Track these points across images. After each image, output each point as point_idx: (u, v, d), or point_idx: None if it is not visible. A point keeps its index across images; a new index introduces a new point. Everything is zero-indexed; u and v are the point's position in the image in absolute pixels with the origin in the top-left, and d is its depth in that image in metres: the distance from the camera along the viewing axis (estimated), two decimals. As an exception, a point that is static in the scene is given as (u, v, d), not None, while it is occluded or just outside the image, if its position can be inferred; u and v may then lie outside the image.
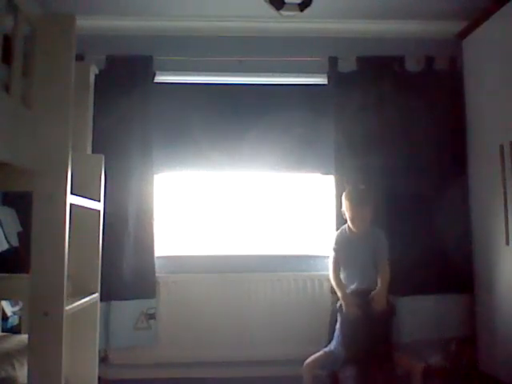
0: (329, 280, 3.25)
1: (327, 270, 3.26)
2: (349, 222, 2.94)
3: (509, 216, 2.78)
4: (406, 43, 3.44)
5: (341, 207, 3.04)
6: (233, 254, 3.41)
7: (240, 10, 3.25)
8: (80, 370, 2.16)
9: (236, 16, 3.33)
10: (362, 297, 2.78)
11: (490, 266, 2.98)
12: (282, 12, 2.84)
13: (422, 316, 3.18)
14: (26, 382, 1.65)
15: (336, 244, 3.00)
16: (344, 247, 2.97)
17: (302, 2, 2.77)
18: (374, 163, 3.24)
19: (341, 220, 3.17)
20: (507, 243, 2.80)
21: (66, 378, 1.78)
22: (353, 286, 2.86)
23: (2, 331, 2.67)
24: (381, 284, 2.82)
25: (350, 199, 2.92)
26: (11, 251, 2.92)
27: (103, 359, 3.02)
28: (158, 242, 3.28)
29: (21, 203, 2.83)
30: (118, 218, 3.10)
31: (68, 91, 1.75)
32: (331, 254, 3.01)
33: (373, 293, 2.78)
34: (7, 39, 1.55)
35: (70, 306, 1.79)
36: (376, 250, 2.90)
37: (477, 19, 3.09)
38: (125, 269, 3.14)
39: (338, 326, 2.83)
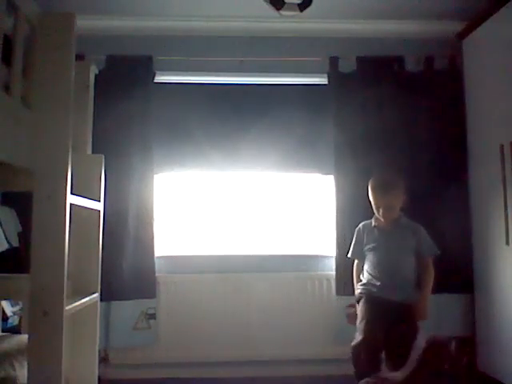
0: (329, 279, 3.26)
1: (327, 270, 3.28)
2: (375, 212, 2.66)
3: (509, 216, 2.78)
4: (406, 43, 3.43)
5: (340, 207, 3.04)
6: (233, 253, 3.40)
7: (240, 9, 3.24)
8: (80, 370, 2.16)
9: (236, 16, 3.33)
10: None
11: (489, 265, 2.98)
12: (282, 12, 2.84)
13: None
14: (25, 382, 1.65)
15: (356, 244, 2.71)
16: (369, 243, 2.64)
17: (302, 2, 2.76)
18: (374, 163, 3.24)
19: (341, 220, 3.18)
20: (507, 243, 2.80)
21: (66, 378, 1.78)
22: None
23: (2, 331, 2.66)
24: (422, 289, 2.54)
25: (373, 187, 2.66)
26: (11, 251, 2.92)
27: (103, 359, 3.02)
28: (158, 242, 3.28)
29: (21, 203, 2.82)
30: (118, 217, 3.10)
31: (68, 91, 1.75)
32: (354, 261, 2.77)
33: (413, 302, 2.52)
34: (7, 39, 1.55)
35: (70, 306, 1.79)
36: (416, 244, 2.61)
37: (477, 19, 3.09)
38: (125, 269, 3.14)
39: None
